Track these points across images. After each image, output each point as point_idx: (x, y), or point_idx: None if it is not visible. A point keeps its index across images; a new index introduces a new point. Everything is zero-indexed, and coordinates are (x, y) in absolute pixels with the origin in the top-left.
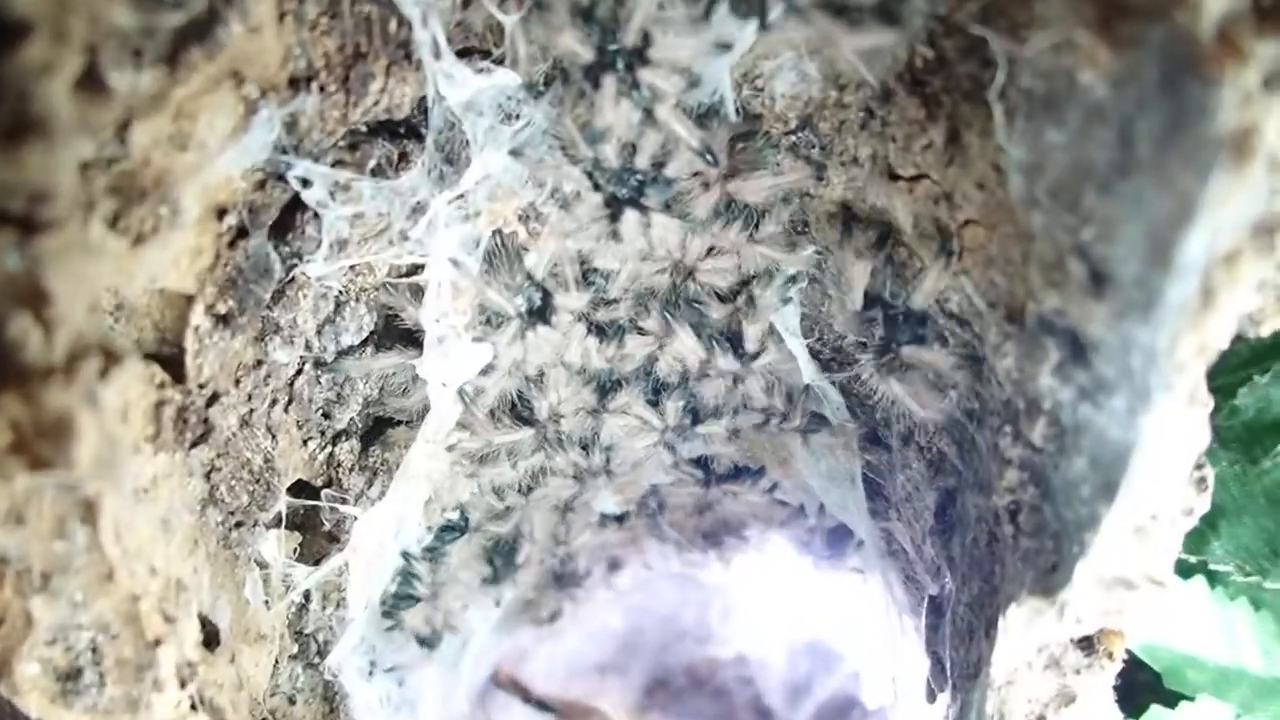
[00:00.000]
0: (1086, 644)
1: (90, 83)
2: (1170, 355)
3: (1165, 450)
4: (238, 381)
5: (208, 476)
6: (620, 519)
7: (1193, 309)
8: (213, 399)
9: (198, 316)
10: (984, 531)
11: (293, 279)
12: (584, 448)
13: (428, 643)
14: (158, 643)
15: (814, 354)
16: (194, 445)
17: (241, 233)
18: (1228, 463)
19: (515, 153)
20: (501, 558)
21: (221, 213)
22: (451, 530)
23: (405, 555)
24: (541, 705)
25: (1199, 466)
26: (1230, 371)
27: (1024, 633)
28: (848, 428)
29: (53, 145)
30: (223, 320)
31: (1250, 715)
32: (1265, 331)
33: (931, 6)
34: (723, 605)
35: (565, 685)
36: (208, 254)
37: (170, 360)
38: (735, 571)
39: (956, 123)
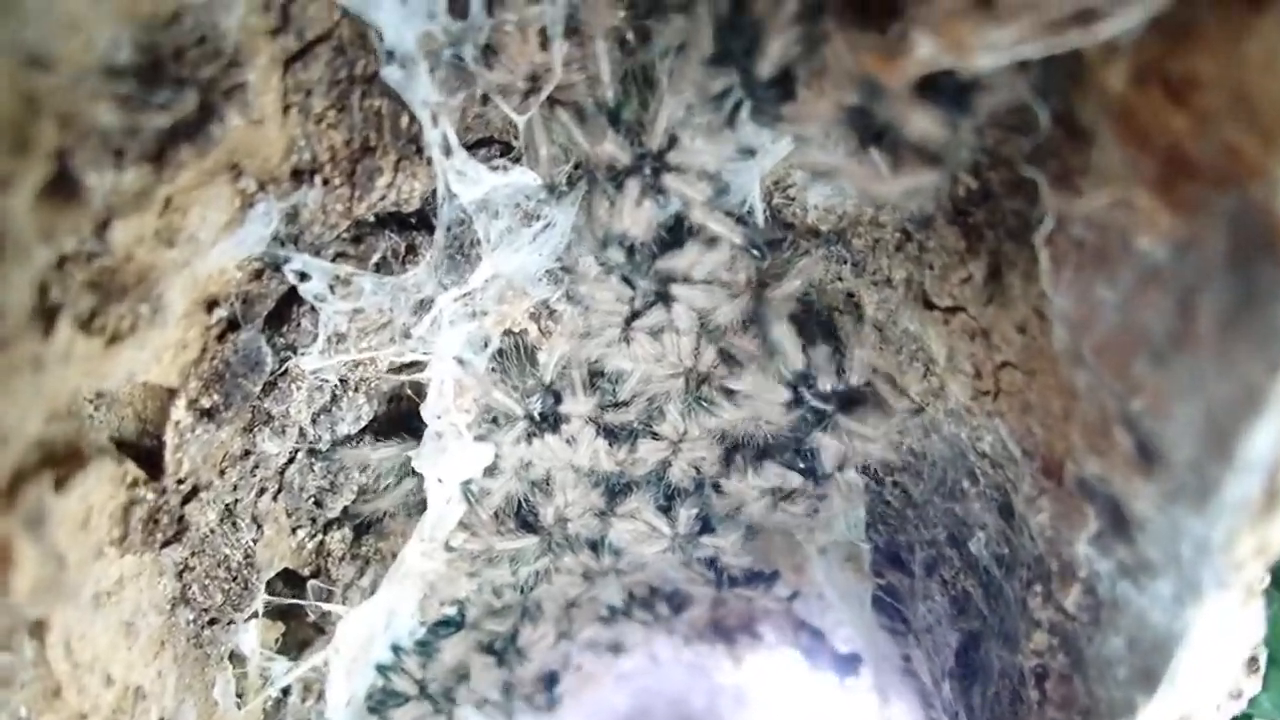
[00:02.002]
0: None
1: (60, 188)
2: (1227, 551)
3: (1216, 644)
4: (222, 472)
5: (180, 575)
6: (627, 613)
7: (1255, 508)
8: (192, 494)
9: (179, 411)
10: (1007, 688)
11: (286, 370)
12: (593, 548)
13: None
14: None
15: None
16: (166, 545)
17: (233, 325)
18: (1278, 605)
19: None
20: (500, 654)
21: (211, 305)
22: (447, 625)
23: (395, 649)
24: None
25: (1253, 646)
26: None
27: None
28: (861, 548)
29: (3, 263)
30: (207, 414)
31: None
32: None
33: (979, 139)
34: (735, 695)
35: None
36: (193, 348)
37: (150, 452)
38: (748, 669)
39: (999, 260)
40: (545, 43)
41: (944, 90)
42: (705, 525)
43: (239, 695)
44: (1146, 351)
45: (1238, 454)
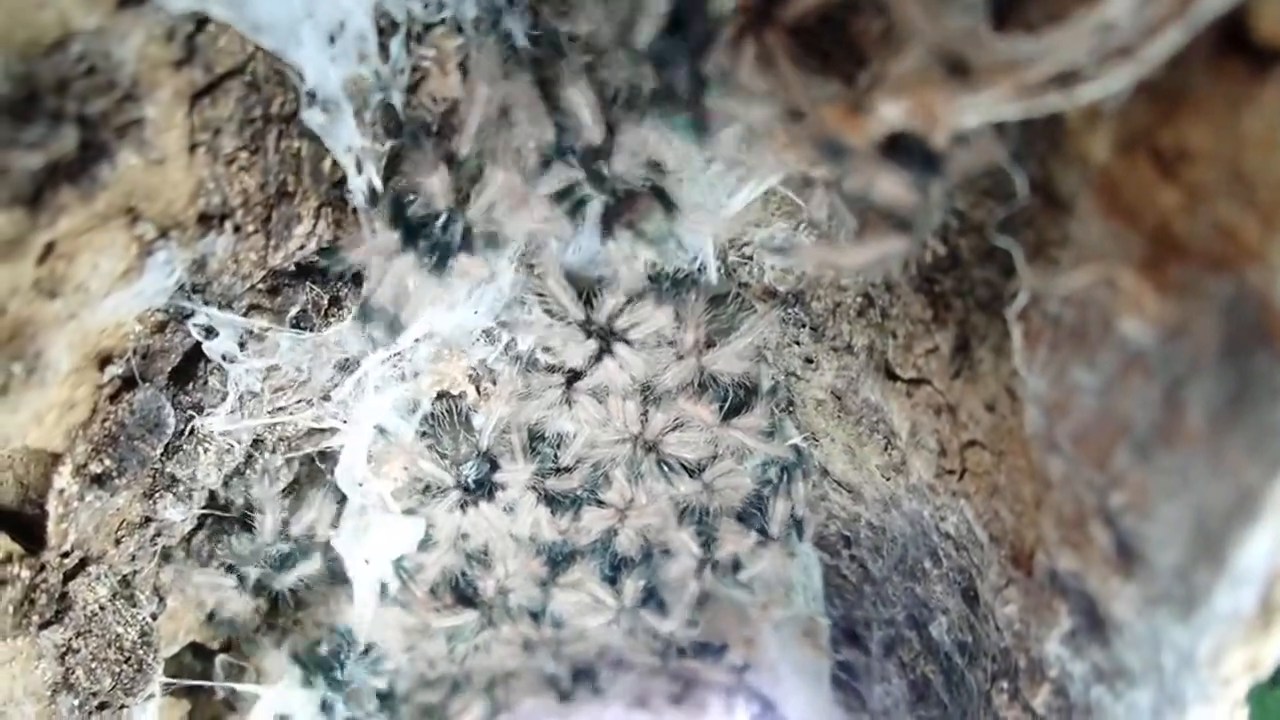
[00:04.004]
0: None
1: None
2: (1214, 666)
3: None
4: (118, 541)
5: (62, 659)
6: (570, 684)
7: (1248, 622)
8: (79, 567)
9: (64, 479)
10: None
11: (192, 432)
12: (533, 617)
13: None
14: None
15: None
16: (45, 626)
17: (129, 383)
18: None
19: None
20: None
21: (105, 361)
22: (376, 697)
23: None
24: None
25: None
26: None
27: None
28: (820, 622)
29: None
30: (97, 480)
31: None
32: None
33: (948, 201)
34: None
35: None
36: (82, 408)
37: (33, 522)
38: None
39: (967, 332)
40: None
41: (913, 150)
42: (652, 595)
43: None
44: (1129, 443)
45: (1230, 562)
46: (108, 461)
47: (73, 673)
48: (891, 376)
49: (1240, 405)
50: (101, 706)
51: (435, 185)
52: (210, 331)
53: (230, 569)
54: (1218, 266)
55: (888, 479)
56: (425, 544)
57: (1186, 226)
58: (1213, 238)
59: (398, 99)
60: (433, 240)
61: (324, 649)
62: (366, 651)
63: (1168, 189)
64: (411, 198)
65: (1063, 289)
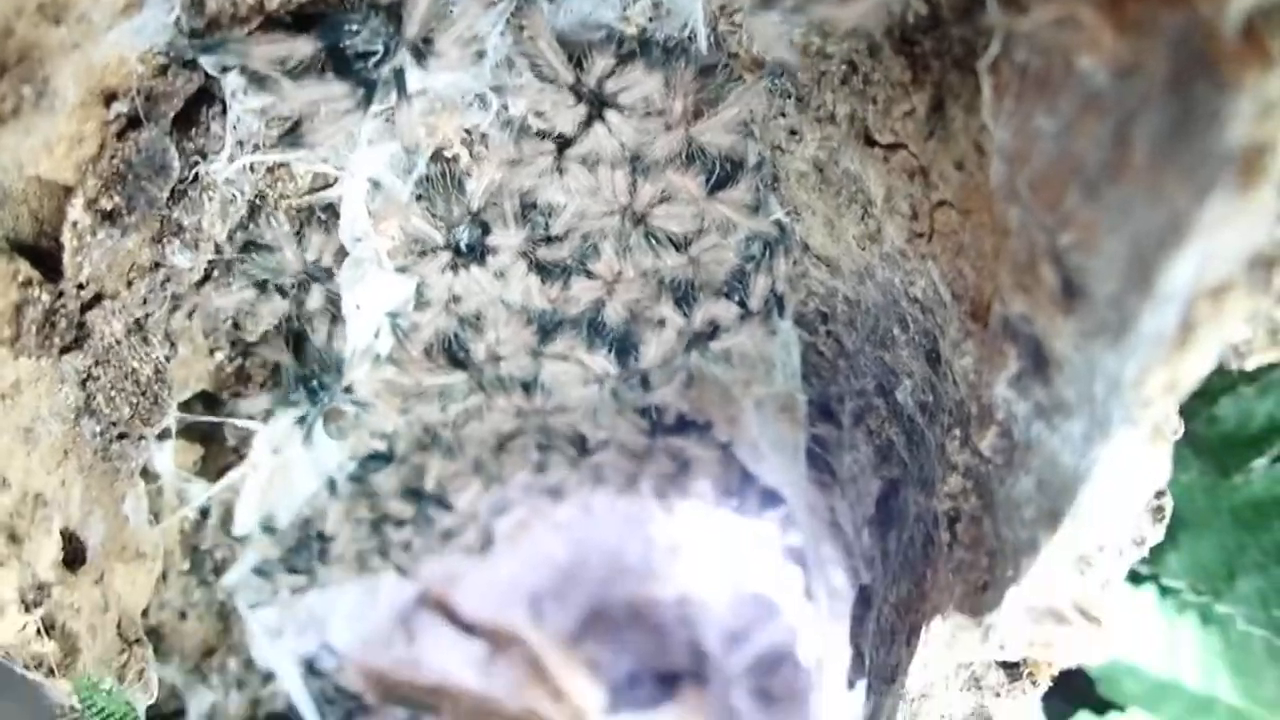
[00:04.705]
0: (1012, 667)
1: None
2: (1137, 388)
3: (1120, 484)
4: (130, 284)
5: (83, 385)
6: (560, 455)
7: (1168, 342)
8: (94, 301)
9: (77, 211)
10: (921, 532)
11: (196, 178)
12: (525, 389)
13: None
14: None
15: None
16: (65, 351)
17: (134, 122)
18: (1199, 473)
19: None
20: (428, 492)
21: (110, 98)
22: (377, 460)
23: (331, 483)
24: (468, 630)
25: (1158, 495)
26: (1214, 375)
27: (945, 648)
28: (797, 398)
29: None
30: (108, 217)
31: None
32: (1251, 365)
33: None
34: (669, 546)
35: (497, 612)
36: (91, 142)
37: (49, 255)
38: (681, 519)
39: (942, 92)
40: None
41: None
42: (641, 372)
43: (154, 514)
44: (1080, 184)
45: (1157, 285)
46: (117, 199)
47: (93, 399)
48: (870, 143)
49: (1180, 135)
50: (121, 436)
51: None
52: (211, 76)
53: (237, 325)
54: (1173, 1)
55: (863, 249)
56: (419, 304)
57: None
58: None
59: None
60: None
61: (309, 369)
62: (349, 390)
63: None
64: None
65: (1029, 27)
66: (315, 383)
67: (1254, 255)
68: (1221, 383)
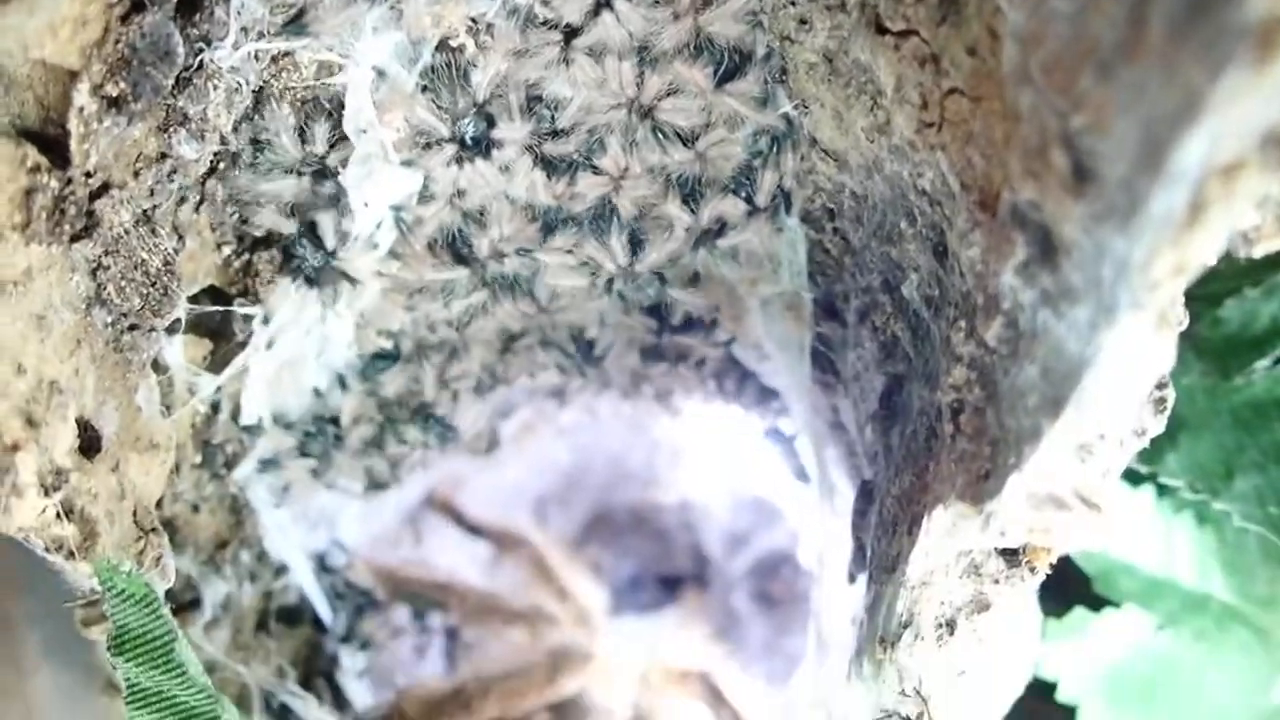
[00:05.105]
0: (1011, 554)
1: None
2: (1144, 271)
3: (1123, 371)
4: (137, 174)
5: (94, 274)
6: (562, 365)
7: (1177, 223)
8: (103, 190)
9: (83, 96)
10: (924, 426)
11: (201, 66)
12: (530, 286)
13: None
14: (16, 448)
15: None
16: (75, 239)
17: (138, 6)
18: (1200, 374)
19: None
20: (434, 393)
21: None
22: (384, 359)
23: (340, 380)
24: (474, 530)
25: (1160, 386)
26: (1220, 279)
27: (946, 536)
28: (803, 296)
29: None
30: (114, 104)
31: (1173, 627)
32: (1258, 252)
33: None
34: (671, 451)
35: (502, 514)
36: (94, 25)
37: (55, 142)
38: (684, 423)
39: None
40: None
41: None
42: (647, 270)
43: (166, 406)
44: (1094, 64)
45: (1168, 166)
46: (122, 85)
47: (104, 289)
48: (881, 30)
49: (1196, 11)
50: (132, 327)
51: None
52: None
53: (244, 220)
54: None
55: (872, 141)
56: (423, 198)
57: None
58: None
59: None
60: None
61: (315, 261)
62: (354, 282)
63: None
64: None
65: None
66: (322, 275)
67: (1267, 132)
68: (1226, 286)
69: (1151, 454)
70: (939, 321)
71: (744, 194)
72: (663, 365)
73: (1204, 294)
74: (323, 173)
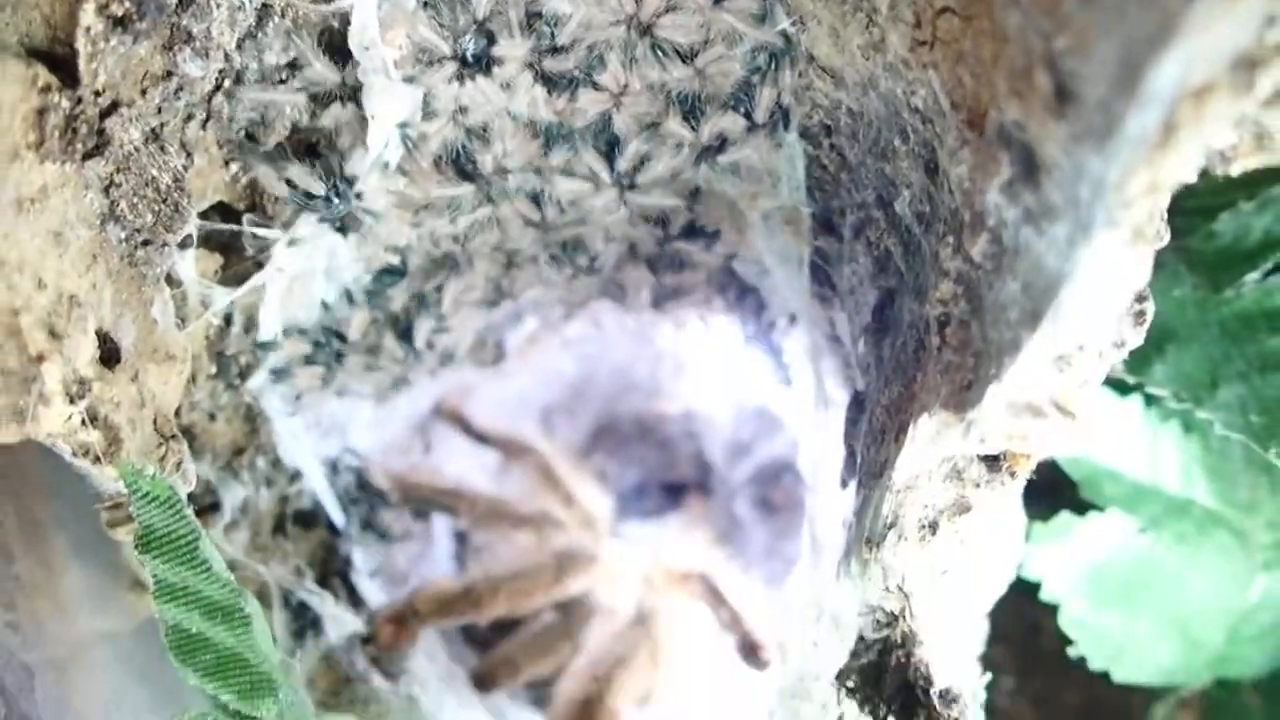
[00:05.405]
0: (991, 460)
1: None
2: (1119, 190)
3: (1100, 285)
4: (144, 92)
5: (106, 191)
6: (570, 274)
7: (1151, 144)
8: (112, 108)
9: (89, 16)
10: (913, 338)
11: None
12: (534, 200)
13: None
14: (41, 358)
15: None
16: (88, 157)
17: None
18: (1192, 287)
19: None
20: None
21: None
22: (391, 274)
23: (348, 295)
24: (481, 439)
25: (1140, 300)
26: (1215, 193)
27: (930, 443)
28: (802, 211)
29: None
30: (120, 23)
31: (1155, 530)
32: (1236, 170)
33: None
34: (675, 363)
35: (509, 423)
36: None
37: (63, 61)
38: (687, 335)
39: None
40: None
41: None
42: (649, 184)
43: (181, 319)
44: None
45: (1143, 88)
46: (127, 4)
47: (117, 205)
48: None
49: None
50: (146, 243)
51: None
52: None
53: (251, 136)
54: None
55: (867, 59)
56: (427, 115)
57: None
58: None
59: None
60: None
61: (323, 178)
62: (360, 198)
63: None
64: None
65: None
66: (330, 192)
67: (1238, 56)
68: (1221, 200)
69: (1140, 365)
70: (929, 237)
71: (743, 110)
72: (666, 277)
73: (1199, 208)
74: (326, 89)
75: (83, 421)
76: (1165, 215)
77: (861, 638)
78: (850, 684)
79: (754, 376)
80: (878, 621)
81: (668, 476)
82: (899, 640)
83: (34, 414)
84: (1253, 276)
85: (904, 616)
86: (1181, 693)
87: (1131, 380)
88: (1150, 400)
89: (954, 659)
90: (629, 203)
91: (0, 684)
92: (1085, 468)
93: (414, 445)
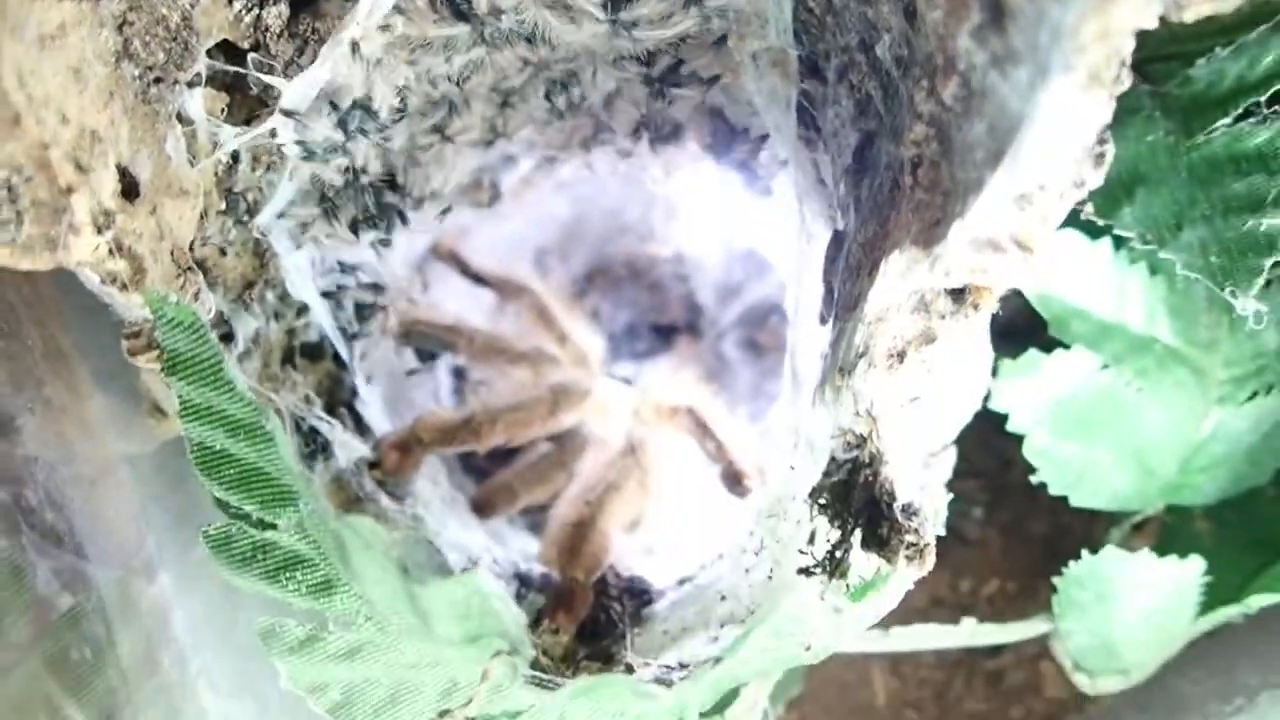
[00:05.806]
0: (958, 294)
1: None
2: (1074, 36)
3: (1058, 127)
4: None
5: (120, 29)
6: (562, 114)
7: None
8: None
9: None
10: (890, 179)
11: None
12: (529, 41)
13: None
14: (70, 190)
15: None
16: None
17: None
18: (1165, 132)
19: None
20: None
21: None
22: (391, 112)
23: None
24: (478, 279)
25: (1101, 142)
26: (1196, 39)
27: (900, 277)
28: (789, 53)
29: None
30: None
31: (1117, 366)
32: (1189, 16)
33: None
34: (666, 207)
35: (505, 264)
36: None
37: None
38: (678, 179)
39: None
40: None
41: None
42: (641, 22)
43: (192, 155)
44: None
45: None
46: None
47: (130, 43)
48: None
49: None
50: (157, 80)
51: None
52: None
53: None
54: None
55: None
56: None
57: None
58: None
59: None
60: None
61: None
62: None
63: None
64: None
65: None
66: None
67: None
68: (1201, 47)
69: (1111, 208)
70: (906, 81)
71: None
72: (658, 118)
73: (1179, 53)
74: None
75: (110, 251)
76: (1127, 61)
77: (833, 458)
78: (822, 501)
79: (744, 219)
80: (848, 443)
81: (658, 318)
82: (867, 460)
83: (65, 243)
84: (1224, 121)
85: (871, 438)
86: (1136, 518)
87: (1102, 223)
88: (1119, 242)
89: (917, 478)
90: (621, 46)
91: (49, 494)
92: (1055, 307)
93: (413, 284)
